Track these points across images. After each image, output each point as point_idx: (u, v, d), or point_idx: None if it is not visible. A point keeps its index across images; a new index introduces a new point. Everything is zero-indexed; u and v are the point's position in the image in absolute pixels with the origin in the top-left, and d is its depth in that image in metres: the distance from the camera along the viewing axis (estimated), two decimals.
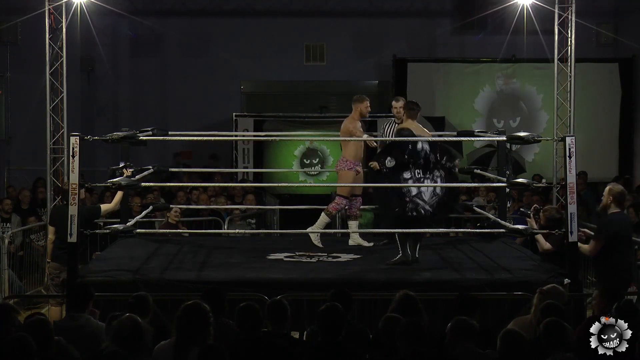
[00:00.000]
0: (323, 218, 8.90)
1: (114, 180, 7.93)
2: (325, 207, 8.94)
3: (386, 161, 7.75)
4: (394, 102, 8.94)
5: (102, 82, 15.99)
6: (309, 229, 8.88)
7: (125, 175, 8.23)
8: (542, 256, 8.05)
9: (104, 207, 8.63)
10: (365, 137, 8.83)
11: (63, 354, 4.76)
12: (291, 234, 9.68)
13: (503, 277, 7.36)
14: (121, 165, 8.48)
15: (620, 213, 7.12)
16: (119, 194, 8.62)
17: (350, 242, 9.11)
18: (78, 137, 7.34)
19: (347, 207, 9.08)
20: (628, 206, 10.68)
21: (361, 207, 9.21)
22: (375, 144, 9.10)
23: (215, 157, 14.94)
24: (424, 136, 7.99)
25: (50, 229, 8.47)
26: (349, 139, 8.72)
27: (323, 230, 8.93)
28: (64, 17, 10.63)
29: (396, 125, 8.71)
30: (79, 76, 15.36)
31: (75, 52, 13.33)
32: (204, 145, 14.34)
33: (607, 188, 7.22)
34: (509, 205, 9.70)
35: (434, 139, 8.26)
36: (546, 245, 7.78)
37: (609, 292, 5.81)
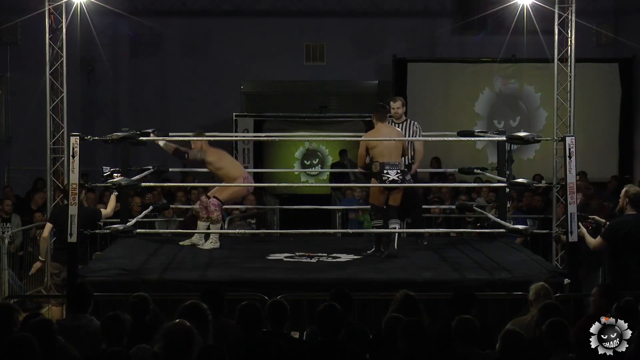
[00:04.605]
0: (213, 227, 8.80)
1: (114, 180, 7.92)
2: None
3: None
4: (391, 103, 8.97)
5: (102, 82, 15.98)
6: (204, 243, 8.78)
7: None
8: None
9: (102, 212, 8.61)
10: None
11: (62, 353, 4.75)
12: (291, 234, 9.69)
13: (503, 277, 7.36)
14: (107, 172, 8.38)
15: (635, 215, 7.05)
16: (112, 200, 8.63)
17: (187, 242, 8.94)
18: (78, 137, 7.34)
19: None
20: None
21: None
22: None
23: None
24: (394, 137, 8.18)
25: (48, 226, 8.43)
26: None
27: (323, 230, 8.93)
28: (64, 17, 10.61)
29: (394, 125, 8.74)
30: (79, 76, 15.34)
31: (75, 52, 13.31)
32: None
33: (624, 190, 7.16)
34: (509, 205, 9.70)
35: (407, 139, 8.43)
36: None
37: (608, 291, 5.80)
